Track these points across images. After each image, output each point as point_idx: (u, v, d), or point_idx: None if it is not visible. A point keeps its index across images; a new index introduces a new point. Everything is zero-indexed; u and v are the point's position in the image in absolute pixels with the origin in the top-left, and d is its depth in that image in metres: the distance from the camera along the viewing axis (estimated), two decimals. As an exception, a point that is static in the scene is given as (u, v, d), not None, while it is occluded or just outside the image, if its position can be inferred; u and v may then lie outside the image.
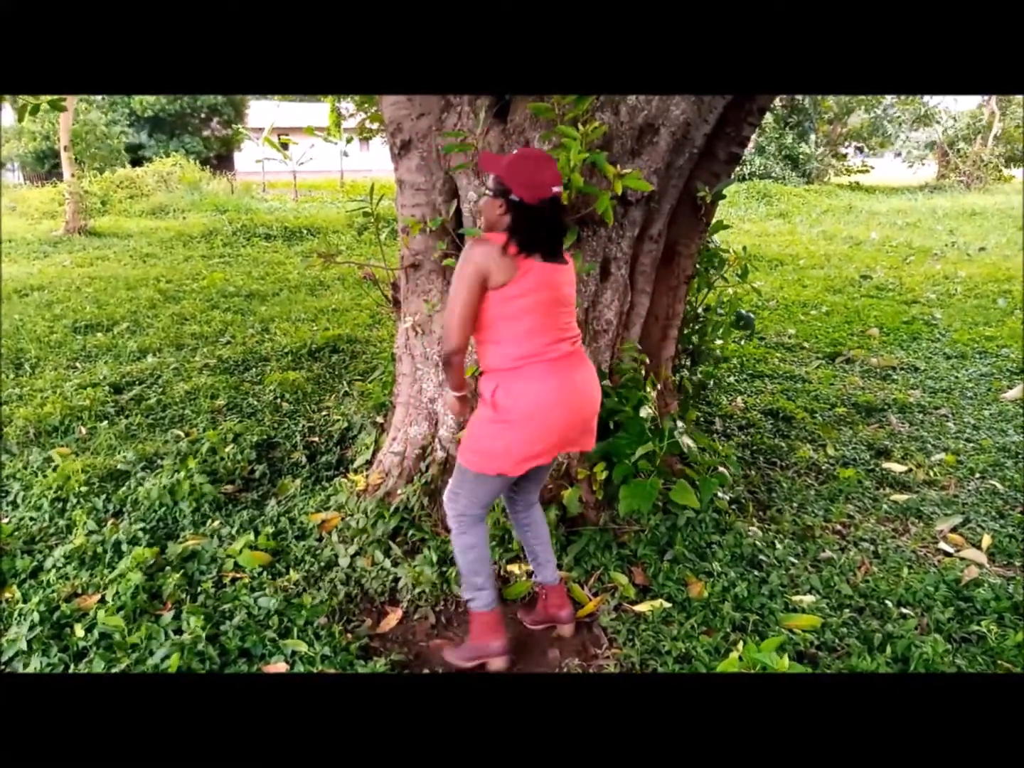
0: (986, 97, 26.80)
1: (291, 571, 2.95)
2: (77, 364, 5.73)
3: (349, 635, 2.62)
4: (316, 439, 4.22)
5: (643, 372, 3.20)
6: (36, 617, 2.60)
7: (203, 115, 29.55)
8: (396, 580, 2.94)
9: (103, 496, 3.54)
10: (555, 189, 2.21)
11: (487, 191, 2.29)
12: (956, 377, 5.63)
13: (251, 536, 3.13)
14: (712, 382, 5.05)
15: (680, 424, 3.15)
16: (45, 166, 24.79)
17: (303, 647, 2.51)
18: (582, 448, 2.48)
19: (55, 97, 3.60)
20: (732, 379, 5.59)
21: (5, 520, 3.37)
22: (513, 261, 2.18)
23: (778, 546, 3.16)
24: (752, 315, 4.28)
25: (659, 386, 3.41)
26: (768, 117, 23.74)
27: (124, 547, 3.10)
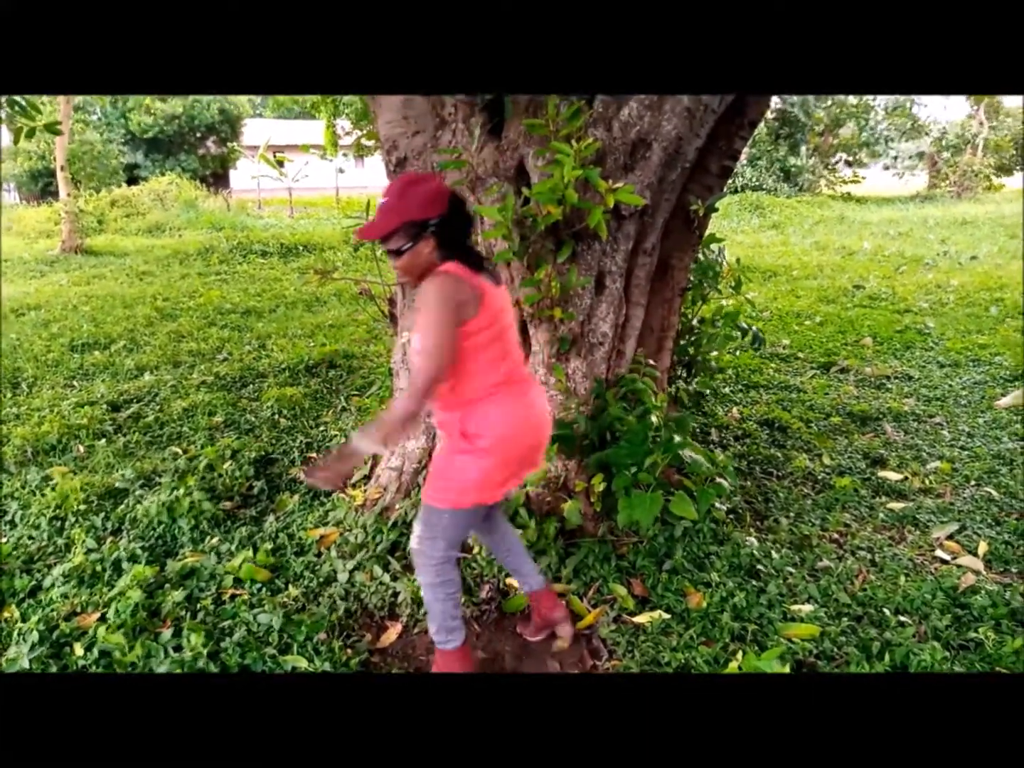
0: (974, 107, 27.05)
1: (290, 587, 2.95)
2: (74, 383, 5.74)
3: (349, 651, 2.62)
4: (314, 455, 4.23)
5: (648, 382, 3.21)
6: (36, 636, 2.60)
7: (199, 134, 29.66)
8: (395, 595, 2.94)
9: (102, 514, 3.54)
10: (446, 181, 2.16)
11: (401, 250, 2.09)
12: (950, 385, 5.66)
13: (250, 552, 3.13)
14: (708, 393, 5.08)
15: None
16: (39, 184, 24.86)
17: (303, 663, 2.51)
18: (537, 467, 2.44)
19: (52, 121, 3.63)
20: (728, 390, 5.61)
21: (3, 539, 3.37)
22: (472, 288, 2.08)
23: (775, 556, 3.18)
24: (760, 332, 4.30)
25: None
26: (761, 129, 23.92)
27: (123, 565, 3.10)
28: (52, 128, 3.76)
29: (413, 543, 2.36)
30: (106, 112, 26.92)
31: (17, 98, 3.48)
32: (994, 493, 3.82)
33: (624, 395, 3.17)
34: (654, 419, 3.02)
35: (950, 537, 3.41)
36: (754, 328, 4.24)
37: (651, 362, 3.37)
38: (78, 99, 15.67)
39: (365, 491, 3.57)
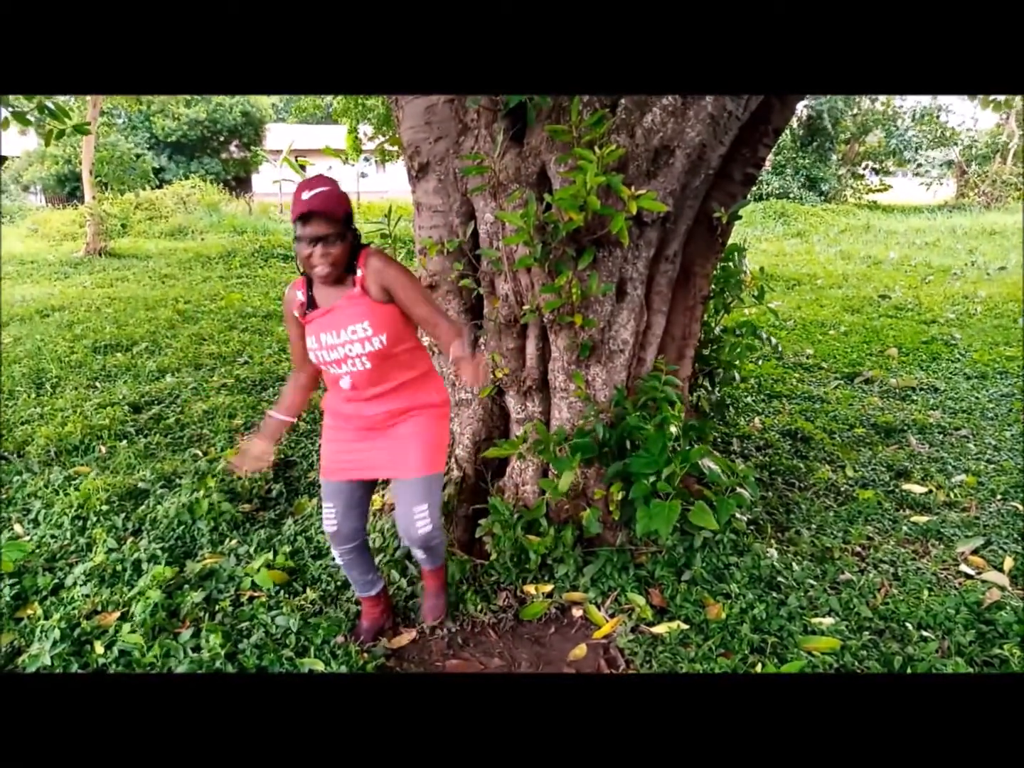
0: (1004, 115, 26.73)
1: (308, 590, 2.96)
2: (97, 384, 5.80)
3: (365, 654, 2.62)
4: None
5: (668, 390, 3.19)
6: (58, 634, 2.62)
7: (222, 138, 29.94)
8: (411, 598, 2.94)
9: (123, 515, 3.57)
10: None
11: (344, 236, 2.20)
12: (976, 397, 5.58)
13: (269, 555, 3.14)
14: (730, 402, 5.04)
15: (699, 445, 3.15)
16: (66, 188, 25.19)
17: (320, 666, 2.51)
18: None
19: (81, 122, 3.67)
20: (750, 399, 5.57)
21: (27, 538, 3.41)
22: None
23: (796, 568, 3.14)
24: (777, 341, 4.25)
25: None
26: (786, 136, 23.75)
27: (143, 565, 3.13)
28: (82, 129, 3.80)
29: (428, 527, 2.39)
30: (131, 116, 27.23)
31: (47, 101, 3.52)
32: (1020, 507, 3.75)
33: (644, 403, 3.15)
34: (673, 429, 2.99)
35: (975, 552, 3.35)
36: (771, 339, 4.19)
37: (673, 368, 3.34)
38: (104, 103, 15.84)
39: (383, 495, 3.57)
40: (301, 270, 2.28)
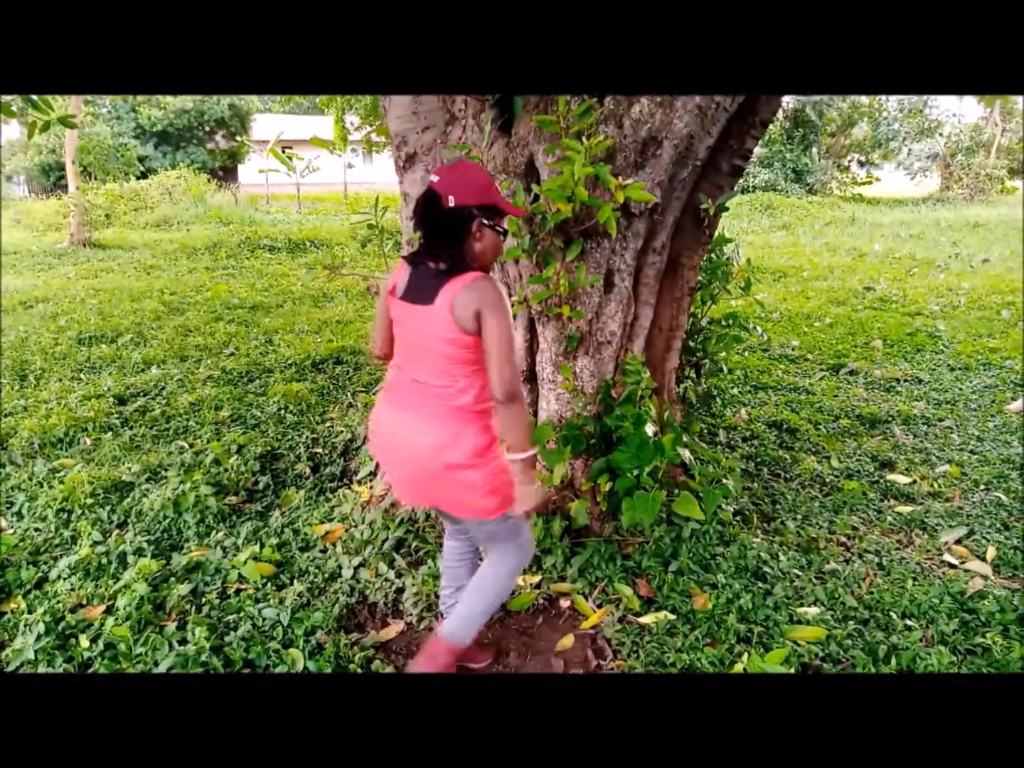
0: (988, 109, 26.90)
1: (295, 582, 2.95)
2: (82, 375, 5.75)
3: (354, 647, 2.62)
4: (320, 450, 4.23)
5: (646, 386, 3.19)
6: (42, 628, 2.60)
7: (209, 128, 29.71)
8: (400, 591, 2.94)
9: (108, 507, 3.55)
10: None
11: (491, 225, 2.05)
12: (960, 389, 5.63)
13: (256, 547, 3.13)
14: (716, 393, 5.06)
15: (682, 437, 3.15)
16: (50, 179, 24.95)
17: (307, 659, 2.50)
18: (393, 474, 2.26)
19: (65, 114, 3.63)
20: (736, 391, 5.59)
21: (10, 531, 3.38)
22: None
23: (782, 558, 3.16)
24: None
25: (663, 398, 3.41)
26: (773, 129, 23.78)
27: (129, 558, 3.11)
28: (66, 122, 3.75)
29: None
30: (116, 105, 26.97)
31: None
32: (1003, 498, 3.80)
33: (627, 397, 3.15)
34: (650, 428, 2.99)
35: (958, 541, 3.39)
36: (758, 328, 4.20)
37: (643, 361, 3.33)
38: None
39: (371, 487, 3.57)
40: (477, 262, 2.06)
